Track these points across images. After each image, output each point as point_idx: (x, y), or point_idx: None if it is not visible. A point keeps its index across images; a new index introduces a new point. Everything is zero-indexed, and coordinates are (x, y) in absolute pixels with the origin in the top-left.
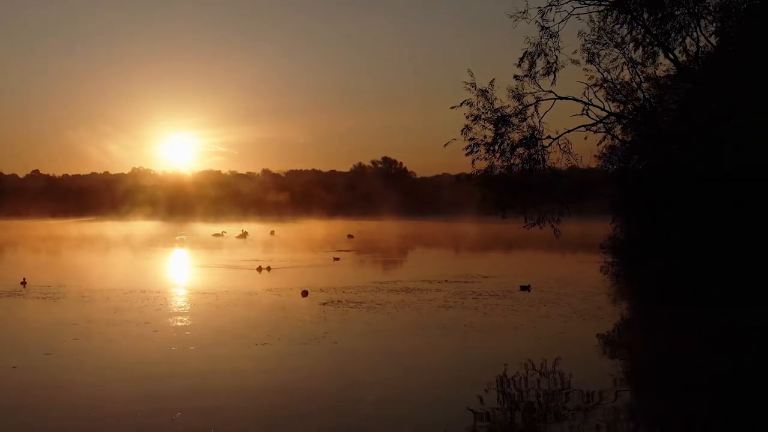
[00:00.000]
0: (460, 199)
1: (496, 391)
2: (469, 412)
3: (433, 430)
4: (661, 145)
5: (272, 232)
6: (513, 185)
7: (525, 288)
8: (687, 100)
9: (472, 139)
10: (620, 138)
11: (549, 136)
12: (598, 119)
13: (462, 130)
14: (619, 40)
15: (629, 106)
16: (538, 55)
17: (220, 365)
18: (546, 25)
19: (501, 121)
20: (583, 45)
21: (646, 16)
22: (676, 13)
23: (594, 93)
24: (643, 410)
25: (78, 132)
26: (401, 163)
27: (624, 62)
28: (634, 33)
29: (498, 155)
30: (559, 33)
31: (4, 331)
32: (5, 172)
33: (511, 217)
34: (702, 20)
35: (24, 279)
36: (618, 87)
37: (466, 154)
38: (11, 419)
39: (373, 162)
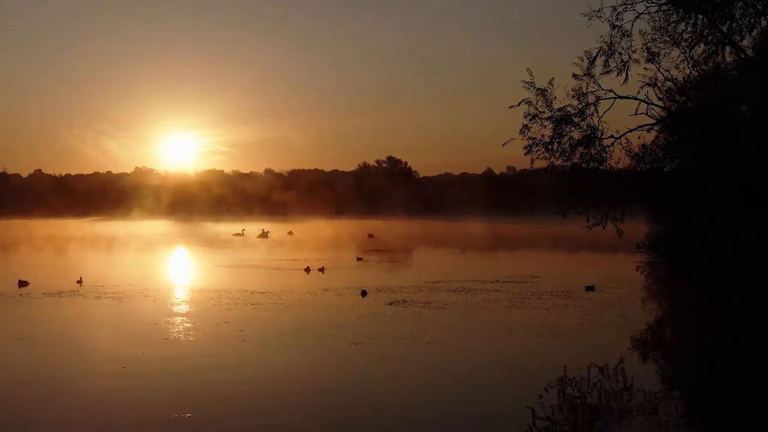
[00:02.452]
0: (463, 199)
1: (595, 388)
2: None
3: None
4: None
5: (290, 233)
6: (576, 184)
7: (590, 288)
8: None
9: (531, 138)
10: (677, 137)
11: (612, 135)
12: (659, 118)
13: (521, 129)
14: (679, 37)
15: (688, 104)
16: (611, 54)
17: (336, 370)
18: (617, 23)
19: (562, 120)
20: (644, 44)
21: (710, 14)
22: (746, 11)
23: (654, 92)
24: (705, 412)
25: (80, 132)
26: (406, 163)
27: (684, 60)
28: (698, 30)
29: (558, 154)
30: (631, 32)
31: (98, 330)
32: (8, 172)
33: (572, 216)
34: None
35: (80, 278)
36: (678, 86)
37: (525, 153)
38: (153, 418)
39: (377, 161)
